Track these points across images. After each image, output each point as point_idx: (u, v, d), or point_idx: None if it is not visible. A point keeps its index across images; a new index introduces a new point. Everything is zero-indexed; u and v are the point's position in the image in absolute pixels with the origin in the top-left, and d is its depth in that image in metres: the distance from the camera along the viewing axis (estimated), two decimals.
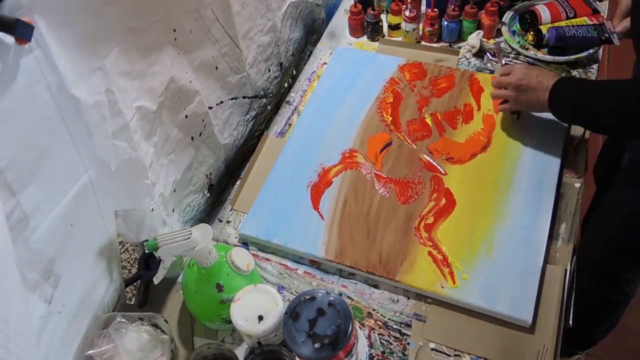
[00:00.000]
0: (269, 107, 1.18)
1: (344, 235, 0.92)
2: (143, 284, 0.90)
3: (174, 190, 0.89)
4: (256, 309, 0.76)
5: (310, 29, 1.32)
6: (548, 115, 1.02)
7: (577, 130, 1.01)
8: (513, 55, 1.16)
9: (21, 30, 0.51)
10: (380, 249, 0.89)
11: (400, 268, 0.86)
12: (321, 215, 0.95)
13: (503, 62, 1.09)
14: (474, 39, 1.17)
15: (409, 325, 0.83)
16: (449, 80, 1.12)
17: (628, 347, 1.46)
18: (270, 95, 1.17)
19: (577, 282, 0.88)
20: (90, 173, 0.68)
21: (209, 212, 1.03)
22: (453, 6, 1.17)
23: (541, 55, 1.13)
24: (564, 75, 0.91)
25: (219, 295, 0.79)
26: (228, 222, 1.01)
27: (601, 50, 1.14)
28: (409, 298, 0.86)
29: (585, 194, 0.97)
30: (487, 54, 1.17)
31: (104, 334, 0.75)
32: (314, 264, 0.92)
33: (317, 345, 0.64)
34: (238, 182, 1.06)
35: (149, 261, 0.90)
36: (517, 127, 1.02)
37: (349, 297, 0.88)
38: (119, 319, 0.77)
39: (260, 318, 0.75)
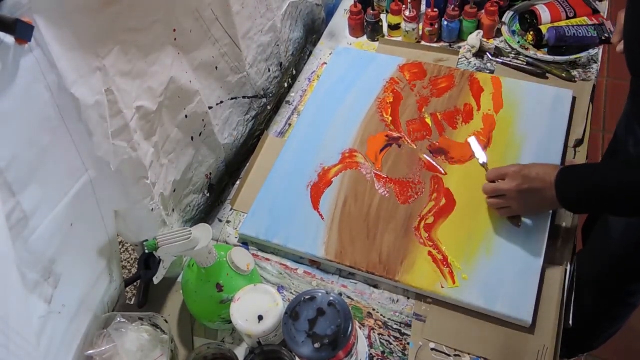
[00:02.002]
0: (269, 107, 1.18)
1: (344, 235, 0.92)
2: (143, 284, 0.90)
3: (174, 190, 0.89)
4: (256, 309, 0.76)
5: (310, 29, 1.32)
6: (546, 116, 1.02)
7: (576, 131, 1.01)
8: (513, 55, 1.16)
9: (21, 30, 0.51)
10: (380, 249, 0.89)
11: (400, 268, 0.86)
12: (321, 215, 0.95)
13: (482, 160, 0.98)
14: (474, 39, 1.17)
15: (409, 325, 0.83)
16: (449, 80, 1.12)
17: (632, 347, 1.46)
18: (270, 95, 1.17)
19: (576, 297, 0.87)
20: (90, 173, 0.68)
21: (209, 212, 1.03)
22: (453, 6, 1.17)
23: (541, 55, 1.14)
24: (561, 166, 0.80)
25: (219, 295, 0.79)
26: (228, 222, 1.01)
27: (601, 50, 1.14)
28: (409, 298, 0.86)
29: None
30: (487, 54, 1.17)
31: (104, 334, 0.75)
32: (314, 264, 0.92)
33: (317, 345, 0.64)
34: (238, 182, 1.06)
35: (149, 261, 0.90)
36: (517, 129, 1.02)
37: (349, 297, 0.88)
38: (119, 319, 0.77)
39: (260, 318, 0.75)
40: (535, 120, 1.02)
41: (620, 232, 1.00)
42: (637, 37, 0.79)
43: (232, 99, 1.01)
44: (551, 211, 0.89)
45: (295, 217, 0.95)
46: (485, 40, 1.19)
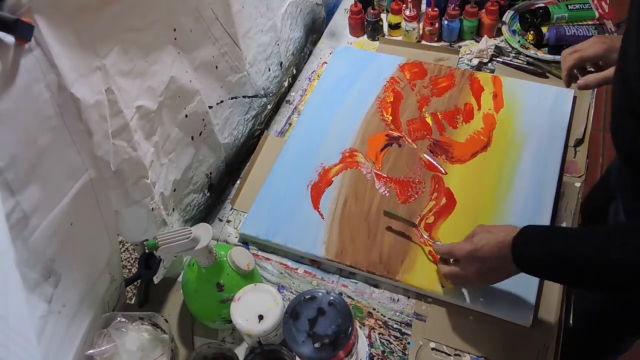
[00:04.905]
0: (269, 107, 1.18)
1: (344, 234, 0.92)
2: (143, 283, 0.90)
3: (174, 190, 0.89)
4: (256, 308, 0.76)
5: (311, 28, 1.32)
6: (547, 116, 1.02)
7: (577, 130, 1.01)
8: (513, 55, 1.16)
9: (21, 30, 0.51)
10: (380, 248, 0.89)
11: (400, 267, 0.86)
12: (321, 215, 0.95)
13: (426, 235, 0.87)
14: (484, 44, 1.15)
15: (409, 325, 0.83)
16: (449, 79, 1.12)
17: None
18: (271, 94, 1.17)
19: (571, 337, 0.84)
20: (90, 173, 0.68)
21: (209, 212, 1.03)
22: (453, 5, 1.17)
23: (541, 54, 1.13)
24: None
25: (219, 295, 0.79)
26: (228, 221, 1.01)
27: None
28: (409, 297, 0.86)
29: (585, 193, 0.97)
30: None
31: (104, 334, 0.75)
32: (314, 263, 0.92)
33: (317, 345, 0.64)
34: (238, 182, 1.06)
35: (149, 261, 0.91)
36: (517, 129, 1.01)
37: (349, 297, 0.88)
38: (119, 319, 0.77)
39: (261, 317, 0.75)
40: (536, 120, 1.02)
41: None
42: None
43: (232, 98, 1.01)
44: (551, 210, 0.89)
45: (296, 216, 0.95)
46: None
